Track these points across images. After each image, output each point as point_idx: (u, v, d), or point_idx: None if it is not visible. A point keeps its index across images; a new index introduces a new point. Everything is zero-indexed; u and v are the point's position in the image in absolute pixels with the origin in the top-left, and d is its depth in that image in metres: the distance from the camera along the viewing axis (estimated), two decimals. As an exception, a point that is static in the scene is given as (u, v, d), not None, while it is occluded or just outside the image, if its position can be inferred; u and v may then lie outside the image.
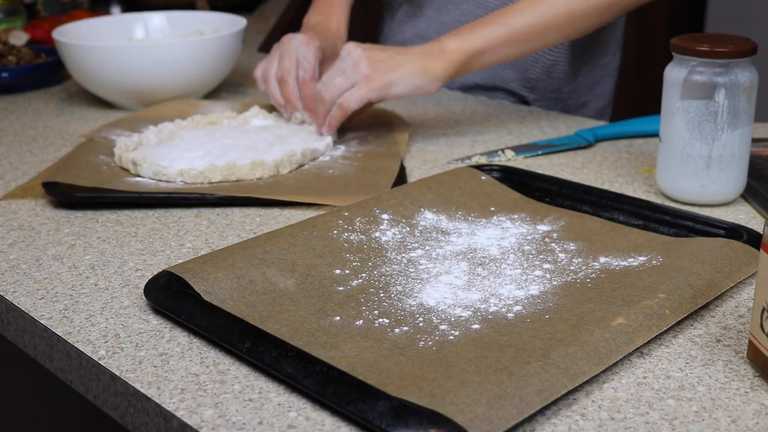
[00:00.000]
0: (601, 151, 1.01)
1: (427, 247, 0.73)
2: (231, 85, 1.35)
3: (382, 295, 0.65)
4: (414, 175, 0.94)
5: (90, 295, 0.69)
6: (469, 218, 0.79)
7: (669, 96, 0.82)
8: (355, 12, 1.24)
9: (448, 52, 0.96)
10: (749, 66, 0.79)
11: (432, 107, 1.20)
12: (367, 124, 1.09)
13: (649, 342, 0.59)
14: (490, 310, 0.62)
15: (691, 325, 0.62)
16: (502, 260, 0.70)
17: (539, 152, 1.00)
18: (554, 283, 0.66)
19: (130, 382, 0.57)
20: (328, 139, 1.00)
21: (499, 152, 0.99)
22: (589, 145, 1.02)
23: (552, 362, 0.53)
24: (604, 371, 0.56)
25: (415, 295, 0.65)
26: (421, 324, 0.60)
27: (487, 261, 0.70)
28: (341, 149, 1.01)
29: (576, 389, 0.54)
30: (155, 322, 0.64)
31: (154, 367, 0.58)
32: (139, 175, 0.92)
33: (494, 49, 0.97)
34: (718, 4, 2.58)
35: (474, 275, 0.68)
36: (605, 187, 0.88)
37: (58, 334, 0.63)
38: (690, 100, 0.80)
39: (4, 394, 1.21)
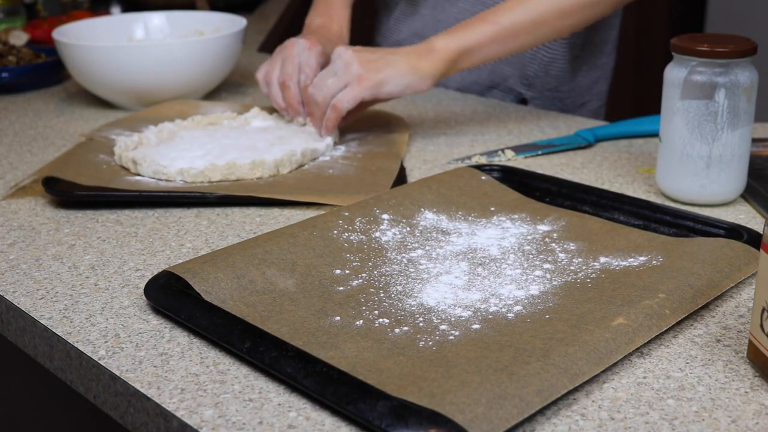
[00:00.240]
0: (601, 151, 1.01)
1: (427, 247, 0.73)
2: (231, 85, 1.35)
3: (382, 295, 0.65)
4: (414, 175, 0.94)
5: (90, 295, 0.69)
6: (470, 218, 0.79)
7: (669, 96, 0.82)
8: (354, 12, 1.23)
9: (436, 51, 0.97)
10: (749, 66, 0.79)
11: (432, 107, 1.20)
12: (367, 125, 1.09)
13: (649, 342, 0.59)
14: (490, 310, 0.62)
15: (691, 325, 0.62)
16: (503, 260, 0.70)
17: (539, 152, 1.00)
18: (554, 283, 0.66)
19: (130, 382, 0.57)
20: (329, 140, 1.00)
21: (499, 152, 0.99)
22: (589, 145, 1.02)
23: (552, 362, 0.53)
24: (604, 371, 0.56)
25: (416, 295, 0.65)
26: (421, 324, 0.60)
27: (488, 261, 0.70)
28: (341, 149, 1.01)
29: (576, 389, 0.54)
30: (155, 322, 0.64)
31: (154, 367, 0.58)
32: (139, 174, 0.93)
33: (483, 47, 0.98)
34: (718, 4, 2.58)
35: (474, 275, 0.68)
36: (605, 187, 0.88)
37: (58, 334, 0.63)
38: (690, 100, 0.80)
39: (4, 394, 1.21)
